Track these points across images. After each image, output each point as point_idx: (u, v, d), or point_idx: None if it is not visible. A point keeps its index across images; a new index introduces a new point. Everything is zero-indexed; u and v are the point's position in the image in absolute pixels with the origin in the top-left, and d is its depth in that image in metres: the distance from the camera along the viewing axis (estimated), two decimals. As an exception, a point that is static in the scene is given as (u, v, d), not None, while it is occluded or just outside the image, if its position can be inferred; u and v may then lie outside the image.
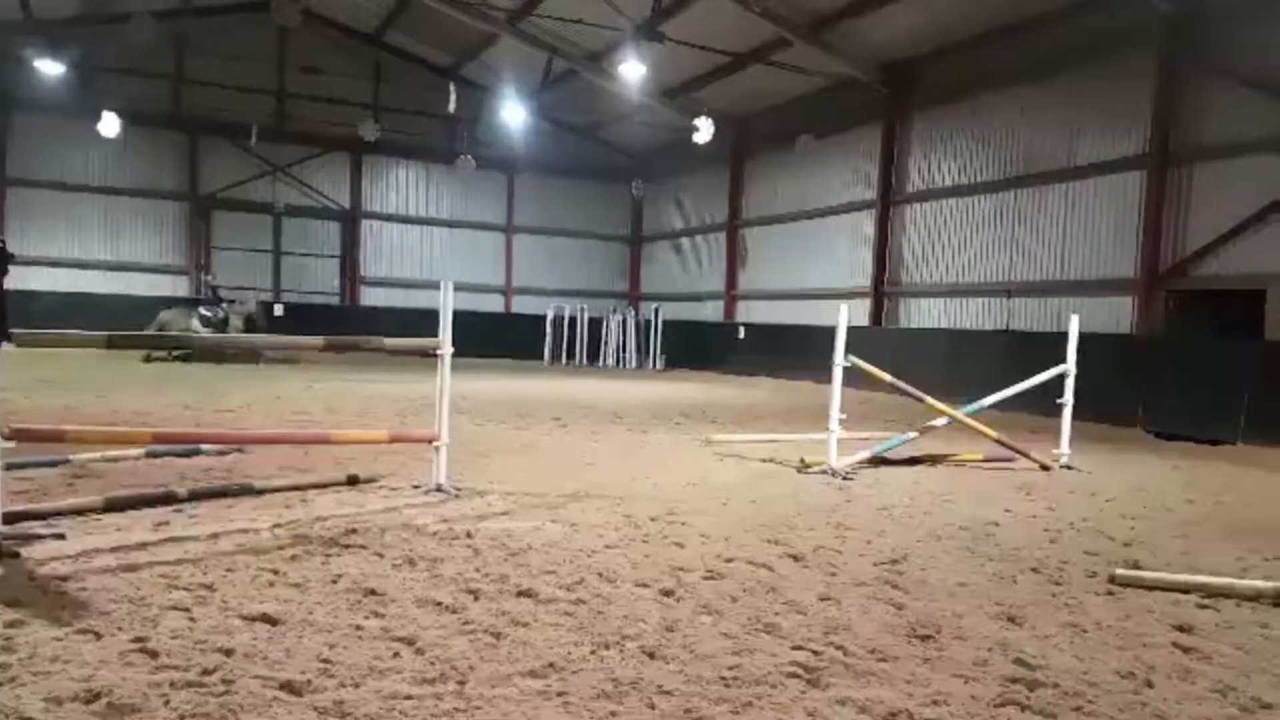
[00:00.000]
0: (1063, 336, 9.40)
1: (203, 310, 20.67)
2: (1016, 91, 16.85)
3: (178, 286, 26.18)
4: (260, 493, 6.11)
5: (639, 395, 16.54)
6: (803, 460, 8.41)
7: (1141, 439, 12.32)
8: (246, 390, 13.73)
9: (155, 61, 24.95)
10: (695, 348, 24.98)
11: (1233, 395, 12.03)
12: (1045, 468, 8.89)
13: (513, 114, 24.80)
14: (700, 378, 22.18)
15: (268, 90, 26.76)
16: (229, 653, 3.35)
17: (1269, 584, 4.76)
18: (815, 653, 3.62)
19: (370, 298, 28.16)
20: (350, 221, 28.24)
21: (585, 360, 26.42)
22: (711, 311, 26.34)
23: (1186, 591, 4.69)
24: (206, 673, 3.16)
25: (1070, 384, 9.27)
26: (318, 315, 25.54)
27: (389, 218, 28.68)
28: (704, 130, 21.88)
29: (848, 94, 20.33)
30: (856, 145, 20.87)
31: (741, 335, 24.09)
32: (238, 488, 6.13)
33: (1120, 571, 5.00)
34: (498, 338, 25.54)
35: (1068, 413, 9.26)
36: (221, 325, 20.03)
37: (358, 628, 3.68)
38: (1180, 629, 4.14)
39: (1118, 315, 14.86)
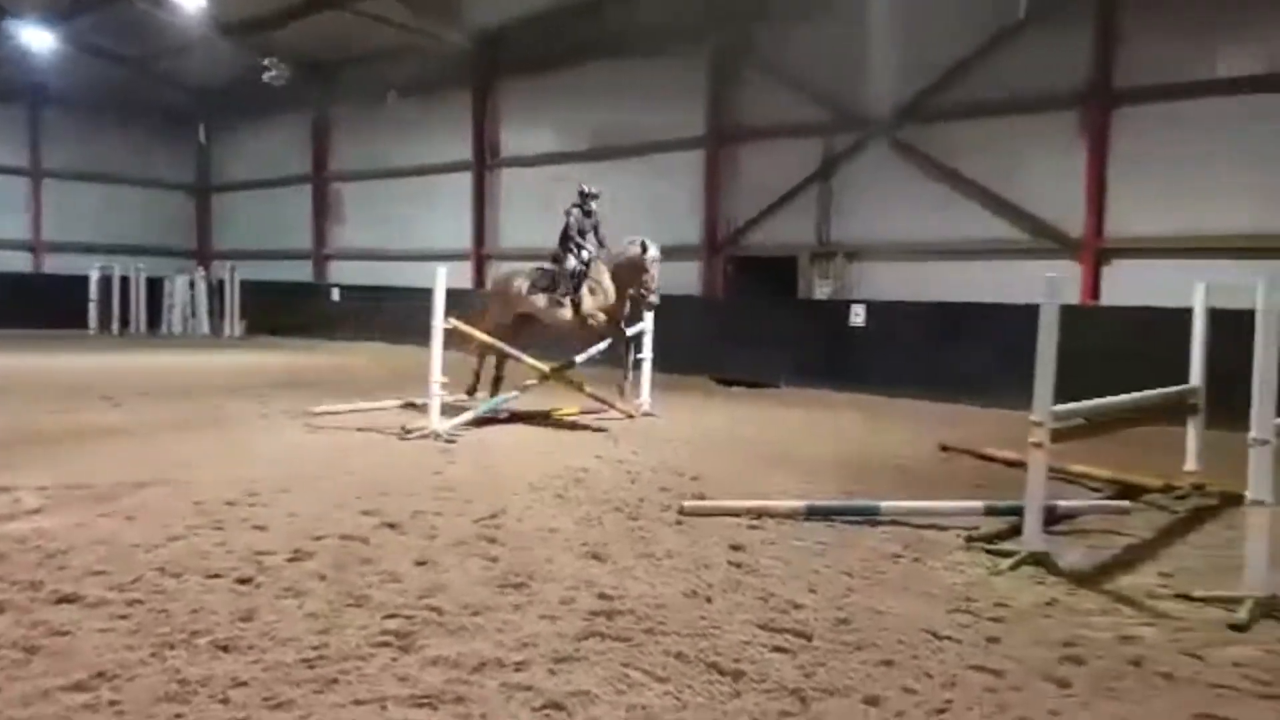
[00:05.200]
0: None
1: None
2: (598, 66, 17.77)
3: None
4: None
5: (214, 367, 15.00)
6: (404, 427, 8.26)
7: (709, 387, 13.91)
8: None
9: None
10: (283, 312, 23.05)
11: (777, 346, 14.07)
12: (630, 416, 9.69)
13: (36, 38, 20.78)
14: (290, 345, 20.60)
15: None
16: None
17: (800, 503, 5.65)
18: (408, 618, 3.58)
19: None
20: None
21: (144, 328, 23.22)
22: (300, 272, 24.55)
23: (740, 515, 5.39)
24: None
25: (648, 340, 10.19)
26: None
27: None
28: (275, 71, 20.18)
29: (440, 54, 20.01)
30: (452, 107, 20.57)
31: (337, 298, 22.76)
32: None
33: (687, 503, 5.62)
34: (26, 304, 21.45)
35: (647, 366, 10.23)
36: None
37: None
38: (734, 548, 4.75)
39: (689, 279, 16.56)
